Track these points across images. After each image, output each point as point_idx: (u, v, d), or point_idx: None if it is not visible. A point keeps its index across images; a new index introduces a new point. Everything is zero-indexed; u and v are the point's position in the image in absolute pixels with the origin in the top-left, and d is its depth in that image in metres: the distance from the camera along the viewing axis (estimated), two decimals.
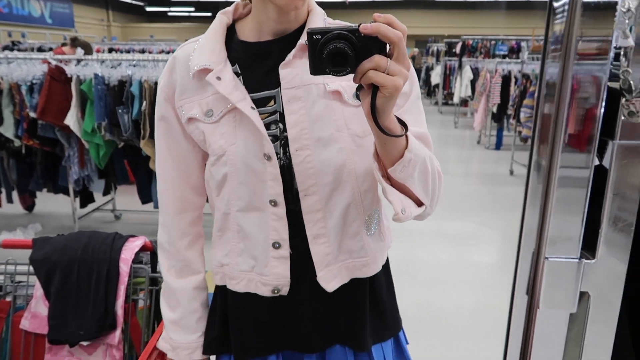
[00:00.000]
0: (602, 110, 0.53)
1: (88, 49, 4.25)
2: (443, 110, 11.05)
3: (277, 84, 0.79)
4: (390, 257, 0.95)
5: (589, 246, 0.58)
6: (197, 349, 0.93)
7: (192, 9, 21.42)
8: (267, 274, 0.83)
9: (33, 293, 1.41)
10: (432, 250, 3.59)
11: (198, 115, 0.82)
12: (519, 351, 0.59)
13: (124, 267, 1.39)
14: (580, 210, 0.56)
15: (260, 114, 0.79)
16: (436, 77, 11.47)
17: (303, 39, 0.78)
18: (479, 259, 3.45)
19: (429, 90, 13.03)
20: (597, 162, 0.56)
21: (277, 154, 0.79)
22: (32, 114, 3.27)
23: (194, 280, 0.93)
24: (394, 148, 0.69)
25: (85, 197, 3.80)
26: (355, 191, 0.82)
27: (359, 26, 0.59)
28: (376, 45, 0.59)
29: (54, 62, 3.30)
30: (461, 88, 8.66)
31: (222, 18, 0.85)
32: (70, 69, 3.28)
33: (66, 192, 3.71)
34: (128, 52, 7.91)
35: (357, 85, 0.63)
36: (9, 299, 1.44)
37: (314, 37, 0.59)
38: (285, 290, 0.84)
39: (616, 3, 0.49)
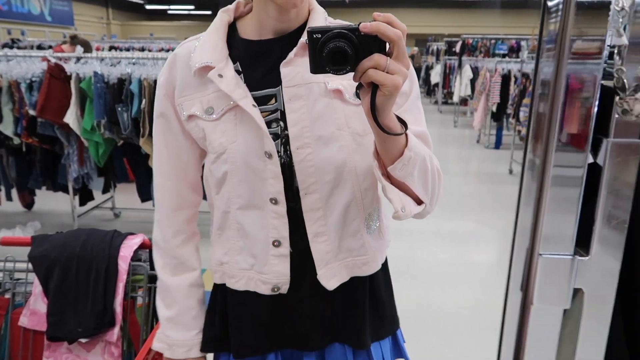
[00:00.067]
0: (596, 109, 0.53)
1: (87, 47, 4.25)
2: (443, 110, 11.05)
3: (278, 82, 0.79)
4: (390, 257, 0.95)
5: (583, 243, 0.59)
6: (194, 346, 0.93)
7: (192, 7, 21.41)
8: (267, 272, 0.84)
9: (32, 290, 1.41)
10: (431, 249, 3.59)
11: (198, 112, 0.82)
12: (513, 347, 0.59)
13: (123, 265, 1.39)
14: (574, 207, 0.56)
15: (261, 112, 0.79)
16: (436, 76, 11.47)
17: (304, 37, 0.78)
18: (479, 258, 3.46)
19: (428, 89, 13.03)
20: (591, 160, 0.56)
21: (277, 152, 0.80)
22: (32, 112, 3.27)
23: (189, 277, 0.93)
24: (394, 146, 0.69)
25: (85, 195, 3.80)
26: (355, 189, 0.82)
27: (359, 25, 0.59)
28: (376, 44, 0.59)
29: (53, 60, 3.30)
30: (461, 87, 8.66)
31: (224, 16, 0.85)
32: (70, 67, 3.28)
33: (65, 190, 3.71)
34: (128, 50, 7.90)
35: (357, 83, 0.63)
36: (7, 296, 1.45)
37: (314, 35, 0.59)
38: (285, 289, 0.84)
39: (609, 2, 0.49)
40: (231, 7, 0.86)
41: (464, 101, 9.51)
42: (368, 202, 0.85)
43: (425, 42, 15.33)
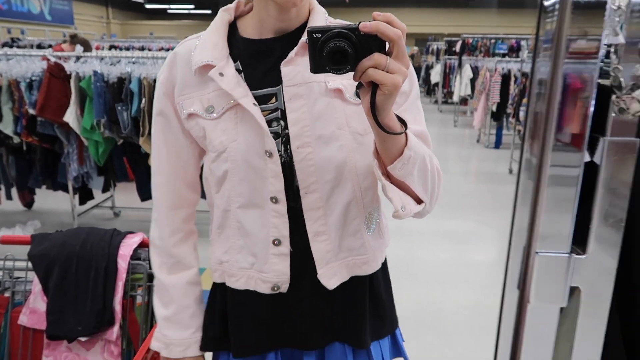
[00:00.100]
0: (592, 108, 0.54)
1: (87, 47, 4.24)
2: (443, 109, 11.05)
3: (278, 81, 0.79)
4: (390, 256, 0.95)
5: (580, 241, 0.59)
6: (191, 345, 0.92)
7: (192, 6, 21.39)
8: (266, 271, 0.84)
9: (31, 289, 1.41)
10: (431, 249, 3.59)
11: (198, 111, 0.82)
12: (510, 345, 0.59)
13: (122, 263, 1.39)
14: (570, 206, 0.56)
15: (261, 111, 0.79)
16: (436, 76, 11.47)
17: (305, 37, 0.78)
18: (479, 258, 3.46)
19: (428, 88, 13.02)
20: (588, 159, 0.56)
21: (278, 151, 0.80)
22: (32, 111, 3.28)
23: (186, 275, 0.92)
24: (394, 146, 0.69)
25: (85, 194, 3.80)
26: (355, 189, 0.82)
27: (358, 25, 0.59)
28: (376, 43, 0.60)
29: (53, 59, 3.30)
30: (461, 87, 8.66)
31: (224, 15, 0.85)
32: (70, 66, 3.28)
33: (65, 189, 3.71)
34: (127, 49, 7.89)
35: (357, 83, 0.63)
36: (7, 294, 1.45)
37: (314, 35, 0.60)
38: (284, 288, 0.84)
39: (605, 2, 0.49)
40: (232, 6, 0.86)
41: (464, 101, 9.51)
42: (368, 202, 0.85)
43: (425, 42, 15.32)
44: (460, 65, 9.32)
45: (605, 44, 0.52)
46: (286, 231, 0.82)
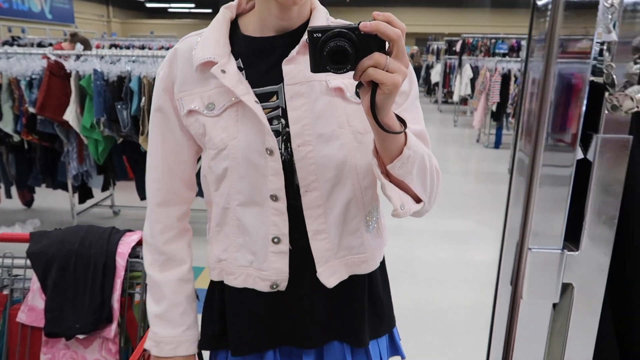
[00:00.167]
0: (584, 108, 0.54)
1: (87, 45, 4.25)
2: (443, 109, 11.05)
3: (279, 79, 0.80)
4: (389, 256, 0.95)
5: (573, 238, 0.59)
6: (182, 344, 0.91)
7: (193, 5, 21.39)
8: (265, 269, 0.84)
9: (30, 286, 1.41)
10: (431, 248, 3.60)
11: (199, 107, 0.82)
12: (503, 340, 0.60)
13: (121, 261, 1.39)
14: (563, 202, 0.57)
15: (262, 109, 0.79)
16: (436, 76, 11.46)
17: (306, 36, 0.78)
18: (478, 258, 3.46)
19: (428, 88, 13.02)
20: (580, 157, 0.57)
21: (278, 149, 0.80)
22: (31, 109, 3.28)
23: (177, 272, 0.92)
24: (393, 145, 0.70)
25: (84, 193, 3.80)
26: (356, 187, 0.82)
27: (359, 24, 0.60)
28: (376, 43, 0.60)
29: (53, 58, 3.30)
30: (461, 86, 8.66)
31: (226, 12, 0.85)
32: (70, 65, 3.29)
33: (65, 188, 3.71)
34: (128, 48, 7.90)
35: (357, 82, 0.64)
36: (6, 292, 1.45)
37: (315, 35, 0.60)
38: (283, 286, 0.84)
39: (598, 2, 0.50)
40: (233, 3, 0.86)
41: (464, 100, 9.51)
42: (368, 200, 0.85)
43: (425, 41, 15.32)
44: (460, 65, 9.32)
45: (598, 42, 0.52)
46: (286, 229, 0.82)
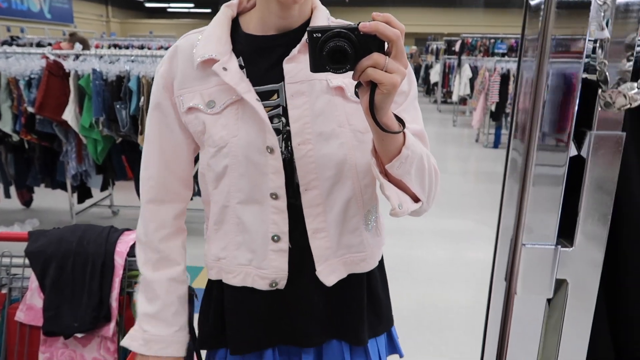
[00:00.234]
0: (577, 107, 0.54)
1: (85, 45, 4.25)
2: (442, 109, 11.05)
3: (280, 78, 0.80)
4: (389, 255, 0.96)
5: (567, 234, 0.60)
6: (172, 345, 0.90)
7: (192, 5, 21.39)
8: (265, 267, 0.84)
9: (28, 285, 1.41)
10: (430, 248, 3.60)
11: (199, 105, 0.82)
12: (498, 336, 0.60)
13: (119, 260, 1.39)
14: (556, 199, 0.57)
15: (263, 107, 0.80)
16: (435, 76, 11.47)
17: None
18: (477, 257, 3.46)
19: (428, 88, 13.03)
20: (573, 154, 0.57)
21: (279, 147, 0.80)
22: (30, 109, 3.28)
23: (171, 272, 0.91)
24: (392, 144, 0.70)
25: (83, 193, 3.80)
26: (355, 186, 0.83)
27: (358, 25, 0.60)
28: (375, 43, 0.61)
29: (52, 57, 3.30)
30: (460, 86, 8.67)
31: (227, 10, 0.85)
32: (69, 64, 3.29)
33: (64, 188, 3.71)
34: (127, 48, 7.89)
35: (356, 82, 0.64)
36: (4, 291, 1.45)
37: (314, 35, 0.61)
38: (282, 284, 0.85)
39: (590, 2, 0.50)
40: (234, 2, 0.87)
41: (463, 100, 9.52)
42: (367, 199, 0.85)
43: (424, 41, 15.33)
44: (459, 64, 9.33)
45: (590, 40, 0.53)
46: (285, 227, 0.82)
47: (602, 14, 0.50)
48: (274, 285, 0.84)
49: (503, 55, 9.77)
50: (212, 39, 0.81)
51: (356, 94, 0.66)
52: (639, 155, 0.60)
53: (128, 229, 1.47)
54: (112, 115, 3.20)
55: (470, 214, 4.31)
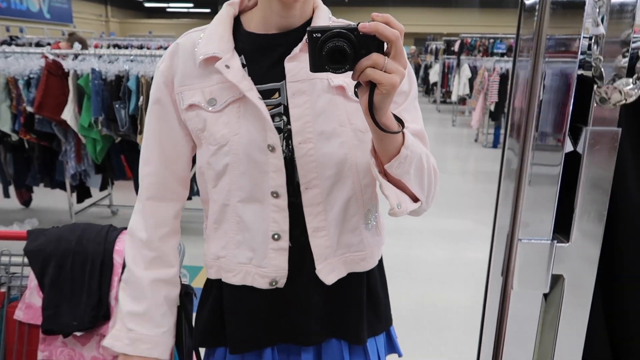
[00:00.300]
0: (572, 103, 0.55)
1: (84, 45, 4.25)
2: (441, 109, 11.06)
3: (282, 77, 0.80)
4: (388, 255, 0.96)
5: (563, 230, 0.60)
6: (159, 346, 0.88)
7: (191, 5, 21.38)
8: (265, 266, 0.84)
9: (27, 284, 1.41)
10: (430, 248, 3.60)
11: (200, 102, 0.82)
12: (494, 331, 0.60)
13: (118, 259, 1.39)
14: (552, 199, 0.57)
15: (265, 105, 0.80)
16: (434, 76, 11.48)
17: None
18: (476, 257, 3.47)
19: (427, 88, 13.04)
20: (569, 150, 0.57)
21: (280, 146, 0.80)
22: (29, 109, 3.28)
23: (164, 273, 0.90)
24: (391, 144, 0.70)
25: (82, 192, 3.80)
26: (356, 185, 0.83)
27: (357, 25, 0.61)
28: (374, 43, 0.61)
29: (51, 57, 3.30)
30: (459, 86, 8.68)
31: (229, 9, 0.85)
32: (68, 64, 3.29)
33: (63, 187, 3.71)
34: (126, 48, 7.88)
35: (355, 82, 0.65)
36: (3, 289, 1.45)
37: (314, 35, 0.61)
38: (282, 283, 0.85)
39: (584, 2, 0.50)
40: (236, 0, 0.87)
41: (462, 100, 9.53)
42: (367, 198, 0.86)
43: (424, 41, 15.34)
44: (458, 64, 9.34)
45: (585, 37, 0.53)
46: (286, 226, 0.82)
47: (598, 10, 0.50)
48: (273, 283, 0.84)
49: (502, 55, 9.77)
50: (214, 37, 0.82)
51: (355, 94, 0.67)
52: (635, 150, 0.60)
53: (127, 228, 1.47)
54: (111, 115, 3.20)
55: (470, 213, 4.31)
